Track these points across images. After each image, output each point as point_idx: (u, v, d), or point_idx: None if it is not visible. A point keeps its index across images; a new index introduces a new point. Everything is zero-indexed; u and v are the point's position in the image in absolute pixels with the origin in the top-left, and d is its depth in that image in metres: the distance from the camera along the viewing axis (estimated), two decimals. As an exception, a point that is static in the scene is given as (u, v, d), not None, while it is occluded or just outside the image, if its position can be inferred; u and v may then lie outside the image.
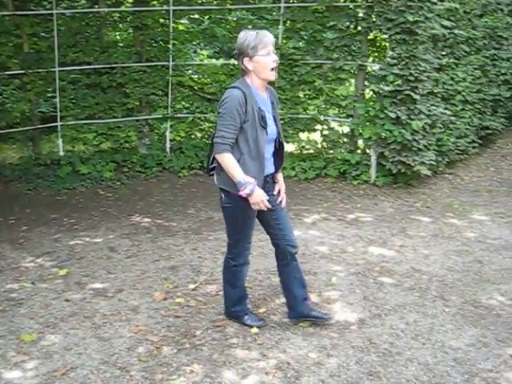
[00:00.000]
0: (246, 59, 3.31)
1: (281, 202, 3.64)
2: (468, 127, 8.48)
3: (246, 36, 3.30)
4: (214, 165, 3.52)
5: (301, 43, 8.37)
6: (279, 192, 3.66)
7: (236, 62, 8.53)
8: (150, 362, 3.40)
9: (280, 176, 3.70)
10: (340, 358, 3.45)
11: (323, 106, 8.10)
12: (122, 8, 8.73)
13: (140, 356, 3.46)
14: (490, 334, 3.77)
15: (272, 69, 3.34)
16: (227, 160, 3.30)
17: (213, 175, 3.59)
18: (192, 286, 4.46)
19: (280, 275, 3.82)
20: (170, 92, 8.40)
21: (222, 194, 3.51)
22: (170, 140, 8.55)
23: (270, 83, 3.56)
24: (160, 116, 8.62)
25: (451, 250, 5.28)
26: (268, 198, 3.42)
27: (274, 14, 8.39)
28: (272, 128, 3.46)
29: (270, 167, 3.57)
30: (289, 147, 8.89)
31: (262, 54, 3.27)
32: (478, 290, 4.44)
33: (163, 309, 4.09)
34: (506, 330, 3.84)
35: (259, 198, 3.33)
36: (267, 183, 3.56)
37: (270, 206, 3.41)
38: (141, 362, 3.39)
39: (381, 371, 3.33)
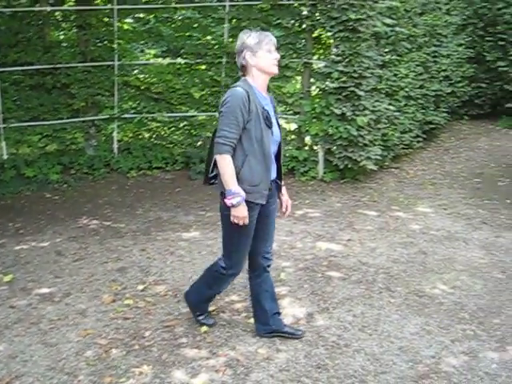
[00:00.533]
0: (248, 54, 3.22)
1: (278, 214, 3.58)
2: (412, 122, 8.70)
3: (250, 33, 3.27)
4: (214, 173, 3.39)
5: (247, 41, 8.39)
6: (282, 205, 3.59)
7: (183, 61, 8.54)
8: (98, 365, 3.37)
9: (284, 190, 3.60)
10: (289, 353, 3.50)
11: (270, 104, 8.15)
12: (65, 7, 8.57)
13: (88, 360, 3.42)
14: (433, 322, 3.90)
15: (275, 64, 3.29)
16: (225, 163, 3.16)
17: (212, 184, 3.45)
18: (141, 287, 4.43)
19: (250, 287, 3.66)
20: (116, 92, 8.28)
21: (222, 201, 3.33)
22: (118, 141, 8.44)
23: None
24: (107, 116, 8.48)
25: (397, 242, 5.41)
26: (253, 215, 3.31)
27: (220, 12, 8.39)
28: (276, 129, 3.36)
29: (273, 172, 3.42)
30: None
31: (266, 49, 3.23)
32: (422, 280, 4.57)
33: (112, 311, 4.05)
34: (447, 317, 3.97)
35: (242, 214, 3.19)
36: (270, 189, 3.40)
37: (246, 223, 3.25)
38: (89, 366, 3.36)
39: (329, 363, 3.39)
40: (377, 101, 7.32)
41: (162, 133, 8.85)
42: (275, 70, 3.32)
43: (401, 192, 7.17)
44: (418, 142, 9.05)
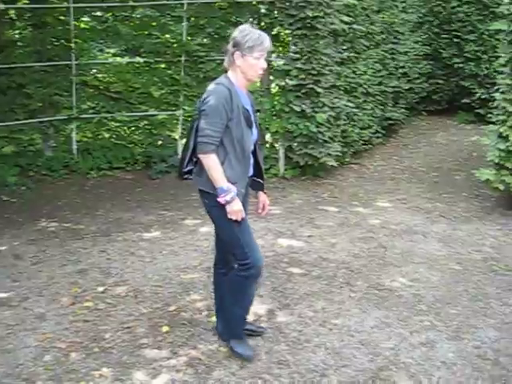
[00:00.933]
0: (237, 53, 3.14)
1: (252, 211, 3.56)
2: (371, 118, 8.81)
3: (249, 33, 3.15)
4: (189, 167, 3.33)
5: (205, 40, 8.39)
6: (259, 205, 3.59)
7: (142, 60, 8.46)
8: (57, 369, 3.32)
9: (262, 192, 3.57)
10: (250, 350, 3.51)
11: (230, 102, 8.16)
12: (19, 5, 8.38)
13: (46, 365, 3.36)
14: (392, 315, 3.96)
15: (260, 73, 3.24)
16: (212, 162, 3.10)
17: (186, 179, 3.40)
18: (101, 289, 4.38)
19: (216, 284, 3.61)
20: (74, 92, 8.15)
21: (205, 199, 3.30)
22: (77, 141, 8.31)
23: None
24: (65, 117, 8.33)
25: (357, 237, 5.48)
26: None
27: (178, 10, 8.34)
28: (255, 129, 3.32)
29: (251, 169, 3.41)
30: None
31: (256, 56, 3.14)
32: (382, 274, 4.64)
33: (71, 314, 3.99)
34: (406, 309, 4.05)
35: (237, 208, 3.14)
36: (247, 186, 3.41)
37: (243, 217, 3.21)
38: (47, 371, 3.30)
39: (290, 359, 3.42)
40: (336, 97, 7.40)
41: (122, 133, 8.76)
42: (256, 79, 3.32)
43: (361, 187, 7.26)
44: (378, 137, 9.17)
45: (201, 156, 3.14)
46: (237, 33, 3.17)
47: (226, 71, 3.28)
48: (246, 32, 3.16)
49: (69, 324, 3.85)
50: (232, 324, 3.48)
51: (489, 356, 3.46)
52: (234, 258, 3.37)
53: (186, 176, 3.39)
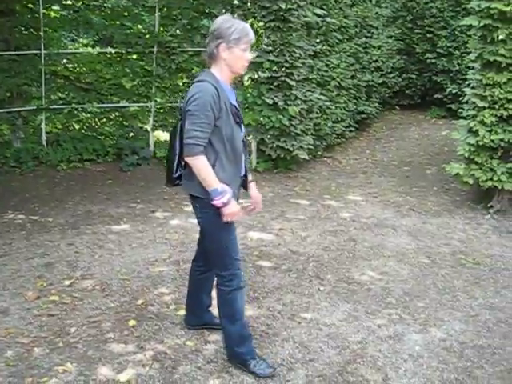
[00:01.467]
0: (222, 45, 2.96)
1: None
2: (344, 112, 8.83)
3: (233, 24, 2.97)
4: (178, 172, 3.12)
5: (178, 31, 8.30)
6: (251, 201, 3.35)
7: (113, 51, 8.33)
8: (19, 365, 3.24)
9: (253, 185, 3.36)
10: (217, 344, 3.47)
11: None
12: (-14, -8, 8.17)
13: (8, 360, 3.28)
14: (360, 308, 3.96)
15: (245, 65, 3.07)
16: (201, 164, 2.91)
17: (177, 185, 3.18)
18: (67, 283, 4.30)
19: (192, 279, 3.53)
20: (43, 82, 8.00)
21: (196, 204, 3.10)
22: (46, 132, 8.17)
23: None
24: (34, 108, 8.18)
25: (327, 230, 5.48)
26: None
27: (150, 1, 8.23)
28: (242, 125, 3.15)
29: (242, 168, 3.23)
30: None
31: (242, 48, 2.97)
32: (352, 267, 4.64)
33: (36, 308, 3.90)
34: (375, 302, 4.05)
35: (236, 209, 2.98)
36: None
37: (241, 217, 3.07)
38: (9, 367, 3.22)
39: (258, 353, 3.38)
40: (308, 90, 7.39)
41: (93, 124, 8.64)
42: (242, 72, 3.14)
43: (333, 181, 7.28)
44: (351, 131, 9.20)
45: (189, 159, 2.94)
46: (218, 24, 2.99)
47: (207, 66, 3.10)
48: (230, 23, 2.98)
49: (33, 318, 3.76)
50: (237, 347, 3.24)
51: (455, 348, 3.48)
52: (215, 267, 3.21)
53: (176, 182, 3.18)
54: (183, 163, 3.10)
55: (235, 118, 3.03)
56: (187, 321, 3.64)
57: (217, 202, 2.92)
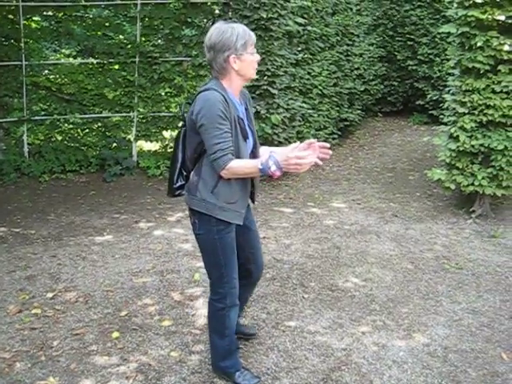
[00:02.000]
0: (232, 57, 2.77)
1: (253, 225, 3.27)
2: (327, 119, 8.87)
3: (232, 31, 2.77)
4: (180, 183, 3.00)
5: (159, 41, 8.30)
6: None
7: (95, 61, 8.31)
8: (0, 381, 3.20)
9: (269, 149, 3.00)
10: (202, 355, 3.46)
11: (185, 104, 8.10)
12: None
13: (-11, 375, 3.25)
14: (345, 315, 3.97)
15: (256, 68, 2.92)
16: (235, 166, 2.74)
17: (178, 195, 3.04)
18: (50, 295, 4.26)
19: None
20: (24, 93, 7.95)
21: (196, 219, 2.95)
22: (28, 144, 8.11)
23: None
24: (15, 119, 8.12)
25: (311, 238, 5.49)
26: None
27: (132, 11, 8.24)
28: (250, 139, 2.96)
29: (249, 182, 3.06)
30: (152, 146, 8.82)
31: (250, 51, 2.82)
32: (335, 275, 4.65)
33: (18, 322, 3.87)
34: (359, 309, 4.06)
35: (293, 161, 2.63)
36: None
37: (312, 161, 2.69)
38: (-10, 382, 3.19)
39: (242, 362, 3.37)
40: (291, 99, 7.41)
41: (75, 135, 8.58)
42: (254, 75, 2.95)
43: (316, 188, 7.30)
44: (334, 139, 9.22)
45: (223, 173, 2.77)
46: (217, 36, 2.78)
47: (216, 77, 2.89)
48: (229, 31, 2.78)
49: (15, 332, 3.72)
50: (222, 361, 3.20)
51: (438, 353, 3.50)
52: (210, 281, 3.11)
53: (177, 192, 3.03)
54: (185, 174, 3.01)
55: (242, 132, 2.86)
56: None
57: (275, 175, 2.68)
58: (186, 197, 3.00)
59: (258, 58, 2.90)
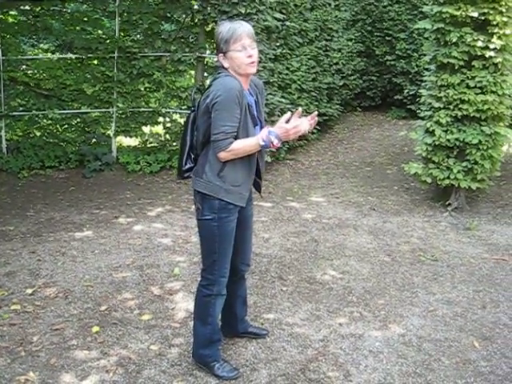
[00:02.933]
0: (220, 55, 2.92)
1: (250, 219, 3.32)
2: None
3: (221, 29, 2.91)
4: (188, 165, 3.09)
5: (138, 36, 8.29)
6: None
7: (73, 56, 8.27)
8: (-20, 376, 3.22)
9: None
10: (181, 347, 3.51)
11: (164, 99, 8.12)
12: None
13: (-31, 371, 3.26)
14: (322, 307, 4.04)
15: (251, 62, 2.92)
16: (236, 147, 2.86)
17: (186, 178, 3.13)
18: (29, 291, 4.26)
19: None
20: (2, 89, 7.88)
21: (200, 205, 3.04)
22: (6, 140, 8.05)
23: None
24: (-7, 115, 8.07)
25: (290, 231, 5.56)
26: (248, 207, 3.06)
27: (111, 6, 8.21)
28: (258, 128, 3.04)
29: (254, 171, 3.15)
30: (132, 141, 8.81)
31: (236, 49, 2.87)
32: (314, 268, 4.72)
33: (-3, 318, 3.88)
34: (336, 301, 4.14)
35: (292, 131, 2.86)
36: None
37: (305, 124, 2.93)
38: (-30, 378, 3.20)
39: (221, 355, 3.42)
40: (269, 94, 7.45)
41: (54, 130, 8.53)
42: (251, 70, 2.95)
43: (295, 183, 7.36)
44: (313, 133, 9.29)
45: (222, 154, 2.88)
46: (216, 34, 2.96)
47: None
48: (219, 30, 2.93)
49: (-6, 328, 3.73)
50: (202, 349, 3.25)
51: (413, 343, 3.59)
52: (203, 267, 3.19)
53: (186, 175, 3.12)
54: (193, 157, 3.09)
55: (252, 119, 2.97)
56: (223, 331, 3.52)
57: (276, 147, 2.89)
58: (193, 179, 3.08)
59: (248, 53, 2.90)
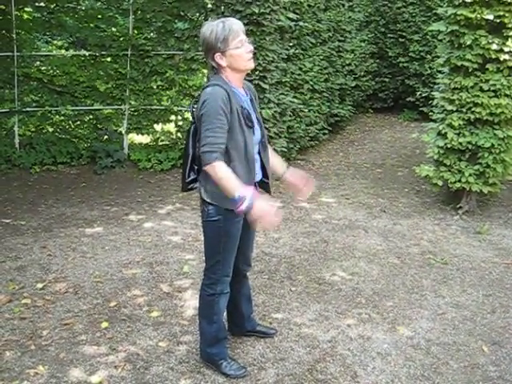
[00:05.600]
0: (217, 55, 2.86)
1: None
2: (318, 115, 8.91)
3: (212, 28, 2.85)
4: (191, 177, 3.08)
5: (152, 34, 8.32)
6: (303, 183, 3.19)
7: (87, 53, 8.32)
8: (-10, 368, 3.25)
9: (290, 169, 3.18)
10: (189, 345, 3.52)
11: (176, 97, 8.15)
12: (-43, -6, 8.09)
13: (-21, 364, 3.29)
14: (331, 308, 4.04)
15: (250, 58, 2.92)
16: (220, 171, 2.78)
17: (190, 189, 3.12)
18: (40, 286, 4.30)
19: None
20: (16, 84, 7.94)
21: (205, 208, 3.02)
22: (19, 135, 8.11)
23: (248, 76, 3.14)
24: (7, 110, 8.12)
25: (300, 232, 5.55)
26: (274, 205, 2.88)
27: (125, 3, 8.24)
28: (257, 129, 3.04)
29: (258, 174, 3.12)
30: (144, 139, 8.85)
31: (235, 46, 2.84)
32: (323, 268, 4.72)
33: (8, 312, 3.90)
34: (345, 302, 4.13)
35: (265, 209, 2.74)
36: None
37: (277, 221, 2.85)
38: (-21, 370, 3.23)
39: (229, 353, 3.43)
40: (282, 94, 7.45)
41: (67, 127, 8.59)
42: (251, 65, 2.97)
43: (306, 183, 7.34)
44: (324, 134, 9.29)
45: (207, 168, 2.82)
46: (202, 35, 2.91)
47: (215, 73, 2.99)
48: (210, 29, 2.88)
49: (4, 322, 3.76)
50: (209, 348, 3.27)
51: (421, 346, 3.58)
52: (206, 266, 3.20)
53: (189, 186, 3.12)
54: (196, 168, 3.07)
55: (247, 121, 2.93)
56: (231, 330, 3.58)
57: (239, 211, 2.77)
58: (198, 187, 3.08)
59: (249, 48, 2.91)
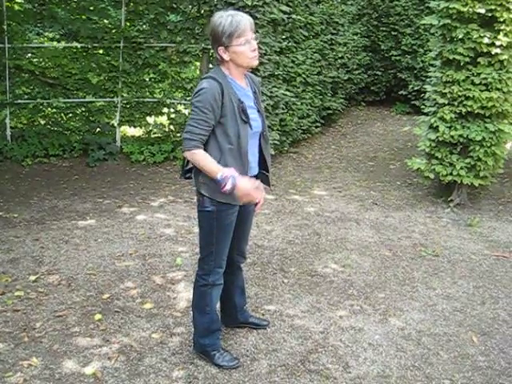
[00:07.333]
0: (220, 48, 2.88)
1: (254, 211, 3.32)
2: (310, 108, 8.93)
3: (221, 21, 2.85)
4: (190, 166, 3.11)
5: (144, 26, 8.29)
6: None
7: (79, 45, 8.28)
8: (-17, 360, 3.26)
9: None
10: (182, 336, 3.54)
11: (169, 89, 8.13)
12: None
13: (-28, 355, 3.30)
14: (323, 300, 4.07)
15: (255, 56, 2.92)
16: (198, 156, 2.87)
17: (188, 178, 3.18)
18: (33, 278, 4.30)
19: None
20: (7, 76, 7.90)
21: (200, 198, 3.07)
22: (11, 127, 8.07)
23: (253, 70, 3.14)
24: (-2, 102, 8.09)
25: (292, 224, 5.58)
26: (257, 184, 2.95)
27: (117, -5, 8.21)
28: (256, 121, 3.03)
29: (254, 167, 3.14)
30: (136, 131, 8.83)
31: (239, 43, 2.84)
32: (315, 260, 4.75)
33: (0, 304, 3.90)
34: (337, 294, 4.17)
35: (246, 187, 2.84)
36: None
37: (261, 196, 3.00)
38: (-27, 362, 3.24)
39: (222, 344, 3.45)
40: (274, 87, 7.45)
41: (59, 119, 8.56)
42: (255, 63, 2.96)
43: (298, 176, 7.38)
44: (317, 127, 9.31)
45: (185, 154, 2.93)
46: (212, 25, 2.90)
47: (217, 64, 3.01)
48: (219, 21, 2.86)
49: (-3, 314, 3.77)
50: (201, 338, 3.30)
51: (412, 336, 3.62)
52: (200, 256, 3.23)
53: (188, 175, 3.17)
54: None
55: (241, 115, 2.93)
56: (224, 321, 3.60)
57: (224, 191, 2.84)
58: (194, 179, 3.12)
59: (253, 46, 2.90)
